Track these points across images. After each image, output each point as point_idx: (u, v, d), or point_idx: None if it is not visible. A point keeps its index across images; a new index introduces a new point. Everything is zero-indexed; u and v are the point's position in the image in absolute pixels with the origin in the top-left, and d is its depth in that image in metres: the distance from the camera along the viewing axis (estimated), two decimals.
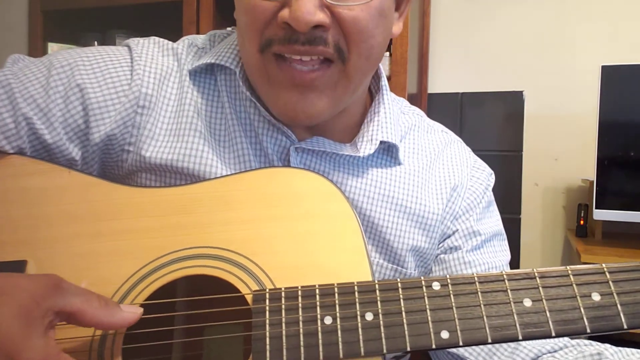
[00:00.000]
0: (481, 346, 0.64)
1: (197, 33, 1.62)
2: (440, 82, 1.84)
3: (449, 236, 0.69)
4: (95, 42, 1.84)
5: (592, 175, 1.48)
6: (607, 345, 0.61)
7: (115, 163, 0.63)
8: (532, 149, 1.75)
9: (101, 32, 1.85)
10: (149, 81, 0.63)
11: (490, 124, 1.77)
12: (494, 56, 1.79)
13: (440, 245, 0.70)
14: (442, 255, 0.69)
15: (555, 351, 0.64)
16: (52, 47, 1.76)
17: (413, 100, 1.71)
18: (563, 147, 1.73)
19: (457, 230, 0.69)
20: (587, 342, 0.63)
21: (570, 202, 1.73)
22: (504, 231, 0.74)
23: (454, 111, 1.81)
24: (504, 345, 0.64)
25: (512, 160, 1.75)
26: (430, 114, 1.80)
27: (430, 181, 0.70)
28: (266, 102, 0.61)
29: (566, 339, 0.65)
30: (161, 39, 0.68)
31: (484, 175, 0.73)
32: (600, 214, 1.47)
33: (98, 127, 0.60)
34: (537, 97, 1.74)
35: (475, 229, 0.69)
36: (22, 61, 0.64)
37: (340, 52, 0.56)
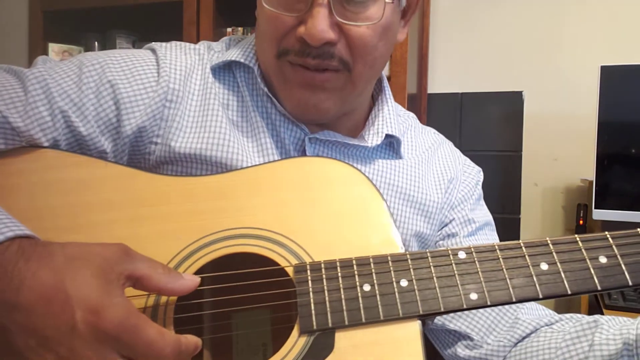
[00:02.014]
0: (482, 322, 0.70)
1: (197, 33, 1.63)
2: (440, 83, 1.84)
3: (446, 224, 0.76)
4: (96, 42, 1.84)
5: (591, 175, 1.48)
6: (600, 315, 0.65)
7: (142, 156, 0.66)
8: (532, 149, 1.75)
9: (101, 32, 1.85)
10: (175, 77, 0.67)
11: (490, 124, 1.78)
12: (493, 56, 1.79)
13: (439, 232, 0.76)
14: (440, 242, 0.76)
15: (552, 323, 0.69)
16: (52, 47, 1.77)
17: (413, 100, 1.71)
18: (562, 147, 1.73)
19: (454, 219, 0.76)
20: (580, 315, 0.69)
21: (570, 202, 1.74)
22: (493, 222, 0.81)
23: (454, 111, 1.81)
24: (503, 320, 0.70)
25: (511, 160, 1.75)
26: (430, 114, 1.83)
27: (429, 173, 0.76)
28: (282, 99, 0.67)
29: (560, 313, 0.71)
30: (182, 42, 0.73)
31: (475, 172, 0.81)
32: (600, 214, 1.47)
33: (129, 120, 0.63)
34: (537, 97, 1.74)
35: (469, 217, 0.76)
36: (51, 61, 0.67)
37: (345, 64, 0.63)
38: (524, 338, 0.68)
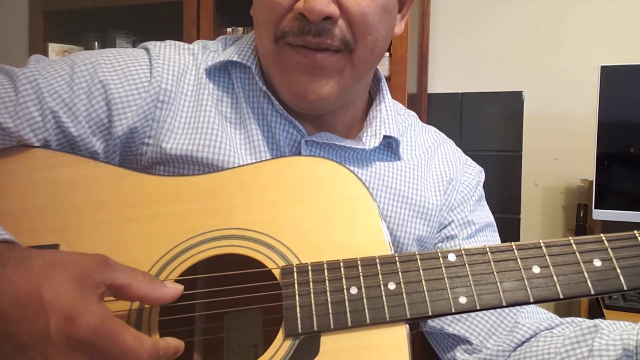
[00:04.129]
0: (481, 326, 0.69)
1: (197, 33, 1.63)
2: (440, 82, 1.84)
3: (445, 226, 0.75)
4: (96, 42, 1.84)
5: (591, 175, 1.48)
6: (601, 320, 0.64)
7: (134, 157, 0.65)
8: (532, 149, 1.75)
9: (101, 32, 1.85)
10: (168, 78, 0.66)
11: (490, 124, 1.77)
12: (493, 56, 1.79)
13: (438, 235, 0.74)
14: (439, 244, 0.74)
15: (552, 327, 0.68)
16: (52, 47, 1.77)
17: (413, 100, 1.71)
18: (562, 147, 1.73)
19: (453, 220, 0.74)
20: (581, 319, 0.67)
21: (570, 202, 1.74)
22: (494, 223, 0.79)
23: (454, 111, 1.81)
24: (503, 324, 0.68)
25: (511, 160, 1.75)
26: (430, 114, 1.83)
27: (428, 175, 0.74)
28: (279, 87, 0.65)
29: (561, 317, 0.70)
30: (176, 42, 0.72)
31: (475, 172, 0.79)
32: (600, 214, 1.47)
33: (120, 120, 0.63)
34: (537, 97, 1.74)
35: (469, 219, 0.75)
36: (44, 61, 0.66)
37: (346, 44, 0.61)
38: (523, 342, 0.67)
